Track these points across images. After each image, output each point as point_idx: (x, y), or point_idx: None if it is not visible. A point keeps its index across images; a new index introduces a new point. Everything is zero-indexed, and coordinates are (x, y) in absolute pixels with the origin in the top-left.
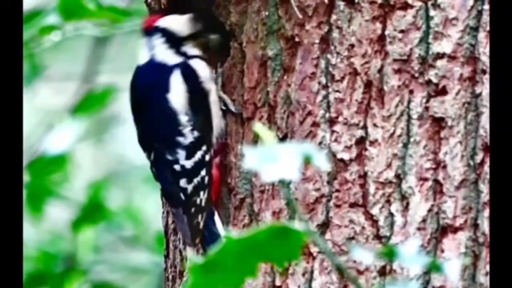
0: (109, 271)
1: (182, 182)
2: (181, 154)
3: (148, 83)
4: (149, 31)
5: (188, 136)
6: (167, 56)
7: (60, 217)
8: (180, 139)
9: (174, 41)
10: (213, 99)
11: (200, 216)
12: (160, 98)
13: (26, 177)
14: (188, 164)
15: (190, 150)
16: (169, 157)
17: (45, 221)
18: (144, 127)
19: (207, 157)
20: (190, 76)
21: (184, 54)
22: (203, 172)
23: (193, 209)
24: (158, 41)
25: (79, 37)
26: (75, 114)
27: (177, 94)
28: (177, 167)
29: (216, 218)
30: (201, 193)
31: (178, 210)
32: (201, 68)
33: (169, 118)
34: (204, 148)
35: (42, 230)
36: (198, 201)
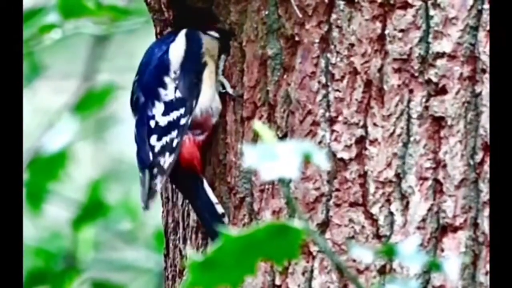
0: (109, 269)
1: (152, 139)
2: (159, 108)
3: (153, 47)
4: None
5: (170, 92)
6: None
7: (59, 215)
8: (162, 90)
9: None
10: (207, 73)
11: (159, 179)
12: (164, 47)
13: (25, 176)
14: (163, 121)
15: (168, 107)
16: (149, 113)
17: (44, 219)
18: (139, 80)
19: (182, 121)
20: (193, 40)
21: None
22: (174, 133)
23: (155, 170)
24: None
25: (79, 36)
26: (75, 112)
27: (177, 48)
28: (152, 123)
29: (206, 185)
30: (167, 154)
31: (145, 173)
32: (207, 41)
33: (161, 64)
34: (182, 110)
35: (42, 228)
36: (162, 162)
